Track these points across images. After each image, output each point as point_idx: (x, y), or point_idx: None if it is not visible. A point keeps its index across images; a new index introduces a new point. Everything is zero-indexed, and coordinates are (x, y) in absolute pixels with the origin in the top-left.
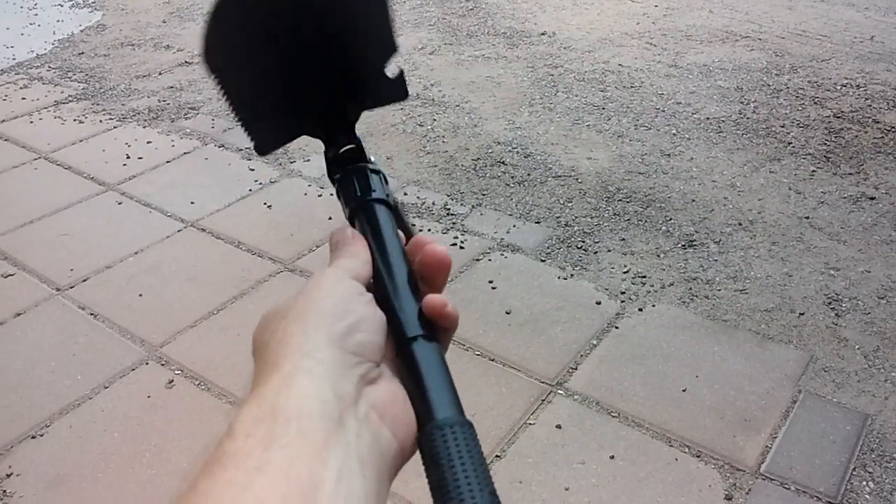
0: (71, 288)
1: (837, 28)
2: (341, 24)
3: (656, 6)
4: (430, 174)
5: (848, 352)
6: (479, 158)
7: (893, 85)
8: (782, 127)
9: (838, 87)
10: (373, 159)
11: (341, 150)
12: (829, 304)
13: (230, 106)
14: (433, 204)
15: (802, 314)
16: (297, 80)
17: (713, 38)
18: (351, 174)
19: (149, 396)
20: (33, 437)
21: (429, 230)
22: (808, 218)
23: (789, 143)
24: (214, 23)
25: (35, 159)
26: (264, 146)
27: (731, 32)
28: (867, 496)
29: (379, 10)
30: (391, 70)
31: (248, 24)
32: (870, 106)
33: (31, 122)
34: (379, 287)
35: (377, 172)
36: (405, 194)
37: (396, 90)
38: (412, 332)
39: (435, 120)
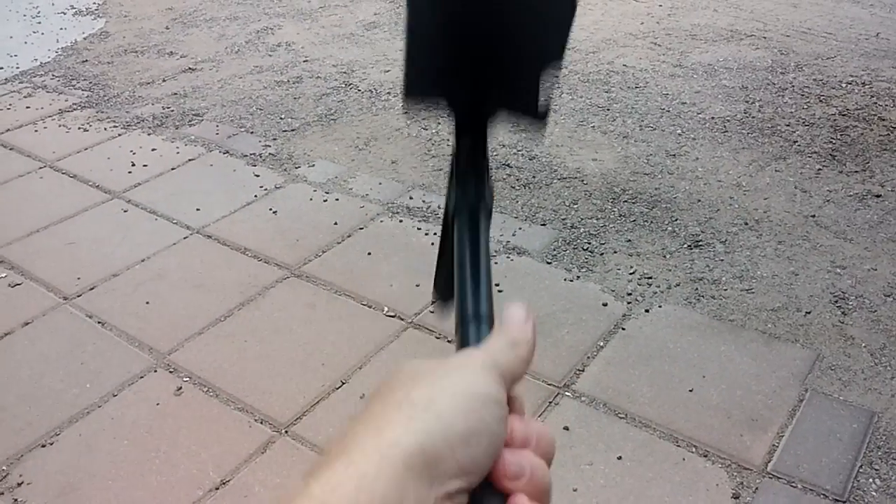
0: (78, 296)
1: (842, 25)
2: (526, 23)
3: (660, 6)
4: (434, 178)
5: (854, 350)
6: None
7: None
8: (788, 126)
9: (843, 85)
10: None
11: (478, 143)
12: (836, 302)
13: (406, 36)
14: (438, 207)
15: (809, 313)
16: (467, 51)
17: (718, 38)
18: (486, 173)
19: (157, 404)
20: (43, 446)
21: (434, 233)
22: (814, 216)
23: (795, 142)
24: None
25: (40, 168)
26: (411, 91)
27: (736, 31)
28: (874, 493)
29: (564, 18)
30: (542, 102)
31: None
32: (875, 103)
33: (36, 131)
34: (456, 280)
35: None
36: (411, 198)
37: (535, 113)
38: (468, 312)
39: (439, 123)
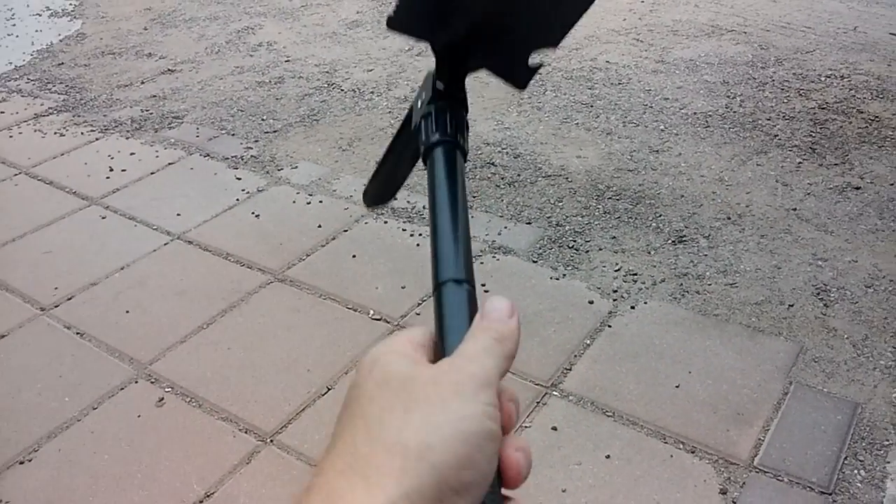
0: (56, 307)
1: (821, 19)
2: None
3: (642, 2)
4: (419, 177)
5: (837, 341)
6: (468, 160)
7: (876, 75)
8: (768, 120)
9: (822, 79)
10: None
11: (450, 89)
12: (818, 294)
13: None
14: (423, 207)
15: (792, 306)
16: (467, 4)
17: (699, 33)
18: (453, 111)
19: (139, 416)
20: (21, 463)
21: (420, 234)
22: (795, 210)
23: (775, 136)
24: None
25: (15, 175)
26: (396, 24)
27: (717, 26)
28: (859, 484)
29: (573, 8)
30: (533, 59)
31: None
32: (854, 96)
33: (11, 137)
34: (433, 228)
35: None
36: (395, 199)
37: (520, 76)
38: (444, 276)
39: None
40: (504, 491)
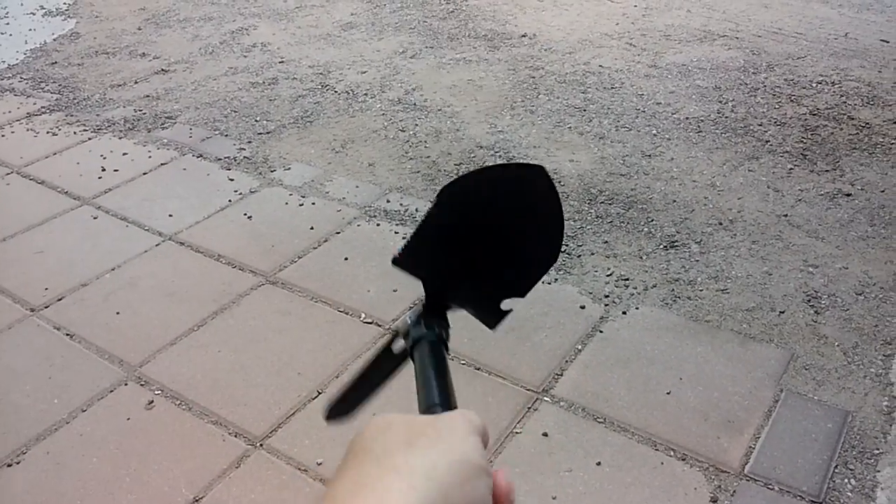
0: (46, 308)
1: (812, 25)
2: (511, 247)
3: (635, 6)
4: (412, 180)
5: (828, 349)
6: (461, 163)
7: (867, 81)
8: (760, 125)
9: (814, 85)
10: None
11: (435, 312)
12: (809, 301)
13: (427, 218)
14: (416, 210)
15: (783, 312)
16: (460, 259)
17: (691, 38)
18: (438, 319)
19: (128, 418)
20: (9, 465)
21: None
22: (786, 216)
23: (767, 142)
24: (456, 187)
25: (7, 174)
26: (404, 262)
27: (709, 32)
28: (849, 493)
29: (540, 263)
30: (506, 304)
31: (466, 206)
32: (845, 103)
33: (3, 136)
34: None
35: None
36: (388, 201)
37: (493, 318)
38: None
39: (417, 125)
40: None
